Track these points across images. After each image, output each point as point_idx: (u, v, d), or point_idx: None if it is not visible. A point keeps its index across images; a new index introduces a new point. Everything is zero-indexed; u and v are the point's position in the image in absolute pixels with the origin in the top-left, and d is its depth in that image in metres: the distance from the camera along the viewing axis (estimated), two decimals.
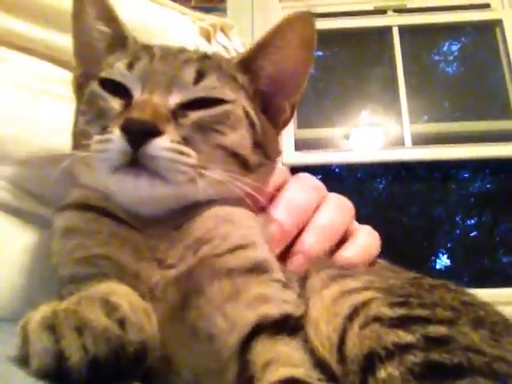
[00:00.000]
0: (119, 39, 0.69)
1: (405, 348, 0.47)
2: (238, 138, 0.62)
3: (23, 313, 0.62)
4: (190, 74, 0.61)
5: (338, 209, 0.75)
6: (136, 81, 0.61)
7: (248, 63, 0.68)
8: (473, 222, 3.75)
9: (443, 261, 3.64)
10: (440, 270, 3.53)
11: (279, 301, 0.53)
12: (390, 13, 3.45)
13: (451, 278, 0.63)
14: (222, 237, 0.57)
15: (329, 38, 3.52)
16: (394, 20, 3.42)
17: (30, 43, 0.80)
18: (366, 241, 0.75)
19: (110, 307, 0.43)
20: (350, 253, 0.71)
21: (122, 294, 0.48)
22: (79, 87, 0.70)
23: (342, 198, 0.79)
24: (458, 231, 3.72)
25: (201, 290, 0.54)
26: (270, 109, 0.69)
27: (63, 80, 0.81)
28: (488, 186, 3.76)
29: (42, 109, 0.76)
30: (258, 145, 0.64)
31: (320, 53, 3.68)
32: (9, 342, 0.45)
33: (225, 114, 0.61)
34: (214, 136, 0.60)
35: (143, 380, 0.49)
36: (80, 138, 0.62)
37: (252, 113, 0.65)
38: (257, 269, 0.55)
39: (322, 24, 3.39)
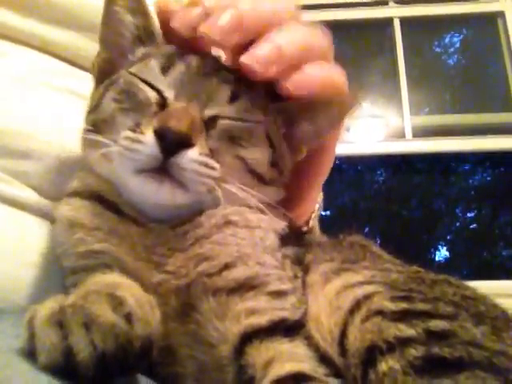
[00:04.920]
0: (146, 33, 0.70)
1: (406, 341, 0.48)
2: (258, 156, 0.64)
3: (23, 304, 0.63)
4: (226, 92, 0.63)
5: (316, 28, 0.67)
6: (170, 86, 0.62)
7: (288, 112, 0.69)
8: (473, 214, 3.76)
9: (443, 253, 3.66)
10: (439, 262, 3.55)
11: (270, 310, 0.54)
12: (391, 4, 3.44)
13: (450, 270, 0.64)
14: (214, 255, 0.57)
15: (330, 30, 3.50)
16: (395, 11, 3.41)
17: (25, 37, 0.80)
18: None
19: (116, 302, 0.44)
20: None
21: (127, 287, 0.48)
22: (101, 71, 0.71)
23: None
24: (457, 224, 3.73)
25: (195, 306, 0.55)
26: (289, 146, 0.71)
27: (60, 72, 0.81)
28: (488, 178, 3.76)
29: (40, 101, 0.76)
30: (274, 164, 0.67)
31: None
32: (10, 333, 0.46)
33: (249, 131, 0.63)
34: (236, 148, 0.62)
35: (150, 371, 0.50)
36: (104, 124, 0.63)
37: (274, 138, 0.67)
38: (243, 286, 0.56)
39: (323, 15, 3.38)
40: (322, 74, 0.66)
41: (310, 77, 0.64)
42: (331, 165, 0.82)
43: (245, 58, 0.61)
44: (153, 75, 0.63)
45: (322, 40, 0.68)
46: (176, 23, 0.64)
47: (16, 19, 0.79)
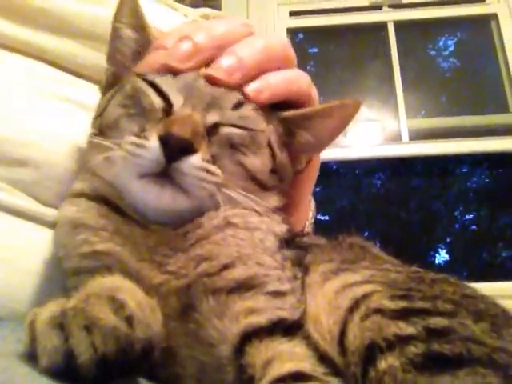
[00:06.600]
0: (146, 47, 0.72)
1: (406, 339, 0.48)
2: (259, 163, 0.65)
3: (23, 311, 0.63)
4: (231, 100, 0.65)
5: (272, 39, 0.70)
6: (178, 90, 0.63)
7: (289, 122, 0.71)
8: (471, 216, 3.76)
9: (442, 255, 3.65)
10: (439, 264, 3.54)
11: (269, 310, 0.54)
12: (385, 8, 3.46)
13: (450, 272, 0.64)
14: (214, 256, 0.58)
15: (325, 35, 3.52)
16: (389, 16, 3.43)
17: (22, 45, 0.80)
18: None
19: (117, 304, 0.44)
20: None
21: (128, 290, 0.48)
22: (108, 85, 0.74)
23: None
24: (456, 226, 3.73)
25: (195, 306, 0.56)
26: (290, 155, 0.73)
27: (57, 80, 0.81)
28: (486, 180, 3.77)
29: (37, 109, 0.76)
30: (274, 171, 0.68)
31: (316, 49, 3.69)
32: (11, 338, 0.46)
33: (251, 139, 0.65)
34: (238, 155, 0.64)
35: (150, 372, 0.50)
36: (109, 129, 0.65)
37: (275, 146, 0.68)
38: (242, 286, 0.56)
39: (317, 20, 3.40)
40: (284, 79, 0.68)
41: (269, 83, 0.67)
42: (317, 172, 0.84)
43: (210, 69, 0.65)
44: (163, 80, 0.64)
45: (282, 48, 0.71)
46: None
47: (12, 28, 0.79)
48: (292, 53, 0.72)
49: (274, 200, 0.68)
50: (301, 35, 3.50)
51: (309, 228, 0.93)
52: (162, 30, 0.77)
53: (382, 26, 3.41)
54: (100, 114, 0.69)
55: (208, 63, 0.66)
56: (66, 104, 0.79)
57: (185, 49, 0.65)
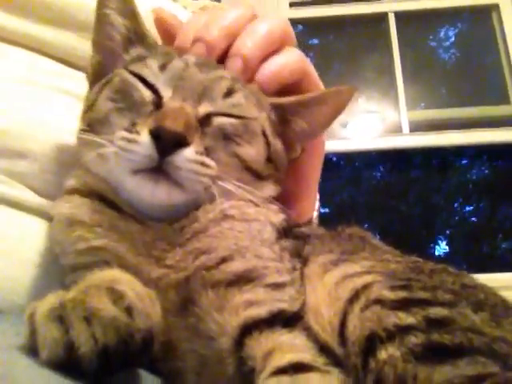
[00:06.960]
0: (137, 34, 0.72)
1: (406, 329, 0.48)
2: (254, 153, 0.65)
3: (22, 304, 0.63)
4: (221, 88, 0.64)
5: (273, 21, 0.74)
6: (166, 81, 0.63)
7: (283, 110, 0.71)
8: (471, 208, 3.77)
9: (442, 247, 3.66)
10: (439, 256, 3.55)
11: (268, 301, 0.54)
12: None
13: (450, 264, 0.64)
14: (212, 249, 0.58)
15: (325, 26, 3.51)
16: (389, 6, 3.41)
17: (22, 38, 0.80)
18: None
19: (116, 295, 0.44)
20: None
21: (127, 282, 0.48)
22: (95, 74, 0.73)
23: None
24: (456, 218, 3.74)
25: (195, 300, 0.55)
26: (284, 144, 0.73)
27: (57, 73, 0.82)
28: (486, 172, 3.77)
29: (38, 102, 0.77)
30: (269, 160, 0.68)
31: (316, 40, 3.67)
32: (11, 332, 0.46)
33: (244, 128, 0.65)
34: (232, 145, 0.63)
35: (150, 365, 0.50)
36: (99, 124, 0.64)
37: (270, 134, 0.68)
38: (241, 279, 0.56)
39: (318, 11, 3.38)
40: (274, 69, 0.70)
41: (259, 82, 0.69)
42: (322, 162, 0.85)
43: (236, 51, 0.67)
44: (150, 72, 0.64)
45: (281, 30, 0.73)
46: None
47: (12, 20, 0.79)
48: (291, 31, 0.75)
49: (269, 189, 0.68)
50: (301, 26, 3.49)
51: (316, 221, 0.94)
52: (182, 21, 0.77)
53: (382, 17, 3.40)
54: (88, 108, 0.68)
55: (222, 54, 0.69)
56: (67, 97, 0.79)
57: (201, 51, 0.68)
